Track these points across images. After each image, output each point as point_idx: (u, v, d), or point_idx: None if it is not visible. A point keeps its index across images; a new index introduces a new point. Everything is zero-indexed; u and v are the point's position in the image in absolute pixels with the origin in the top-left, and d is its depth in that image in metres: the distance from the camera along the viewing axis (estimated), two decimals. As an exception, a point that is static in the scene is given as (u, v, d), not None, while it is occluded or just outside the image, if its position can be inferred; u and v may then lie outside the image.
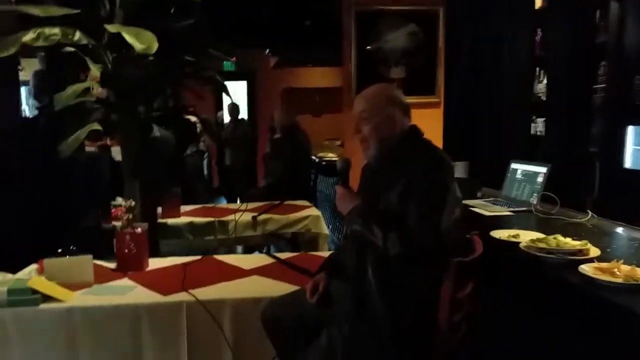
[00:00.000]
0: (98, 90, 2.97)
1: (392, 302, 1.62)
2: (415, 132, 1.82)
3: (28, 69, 4.49)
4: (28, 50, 3.08)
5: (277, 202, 3.85)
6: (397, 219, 1.61)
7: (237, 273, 2.27)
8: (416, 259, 1.60)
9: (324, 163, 6.17)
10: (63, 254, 2.16)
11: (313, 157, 5.92)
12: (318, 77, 9.17)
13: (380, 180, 1.76)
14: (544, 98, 4.02)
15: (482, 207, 2.79)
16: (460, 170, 3.30)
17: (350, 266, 1.79)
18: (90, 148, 4.04)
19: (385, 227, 1.61)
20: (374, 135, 1.77)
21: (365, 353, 1.62)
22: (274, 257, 2.49)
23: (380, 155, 1.79)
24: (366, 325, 1.64)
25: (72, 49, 2.68)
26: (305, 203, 3.93)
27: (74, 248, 2.20)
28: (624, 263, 1.62)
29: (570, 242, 1.88)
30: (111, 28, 2.47)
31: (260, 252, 2.70)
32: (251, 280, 2.20)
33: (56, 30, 2.47)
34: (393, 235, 1.59)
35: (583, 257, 1.78)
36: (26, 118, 4.18)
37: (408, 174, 1.66)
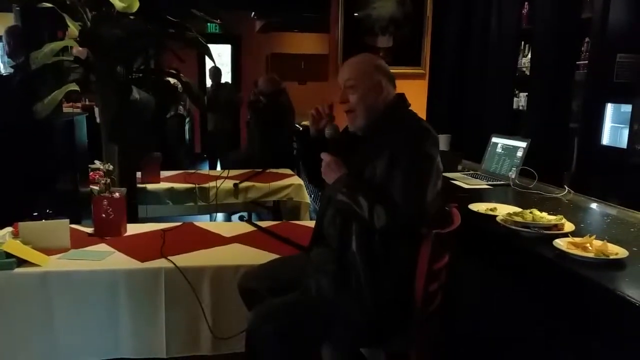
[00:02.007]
0: (78, 50, 2.88)
1: (374, 273, 1.64)
2: (402, 100, 1.82)
3: (2, 24, 4.32)
4: (3, 4, 2.96)
5: (259, 169, 3.84)
6: (383, 191, 1.62)
7: (218, 240, 2.27)
8: (400, 232, 1.62)
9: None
10: (39, 218, 2.13)
11: (297, 125, 5.87)
12: (304, 43, 9.01)
13: (365, 149, 1.75)
14: (527, 73, 4.03)
15: (462, 180, 2.82)
16: (442, 143, 3.30)
17: (333, 236, 1.79)
18: (69, 109, 3.95)
19: (371, 199, 1.61)
20: (361, 104, 1.75)
21: (341, 317, 1.64)
22: (255, 225, 2.49)
23: (366, 126, 1.77)
24: (348, 296, 1.65)
25: (49, 5, 2.58)
26: (288, 171, 3.92)
27: (50, 211, 2.17)
28: (596, 238, 1.66)
29: (545, 217, 1.92)
30: (90, -16, 2.38)
31: (241, 219, 2.69)
32: (231, 248, 2.20)
33: (33, -15, 2.37)
34: (379, 207, 1.59)
35: (558, 232, 1.82)
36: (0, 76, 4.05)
37: (394, 145, 1.66)
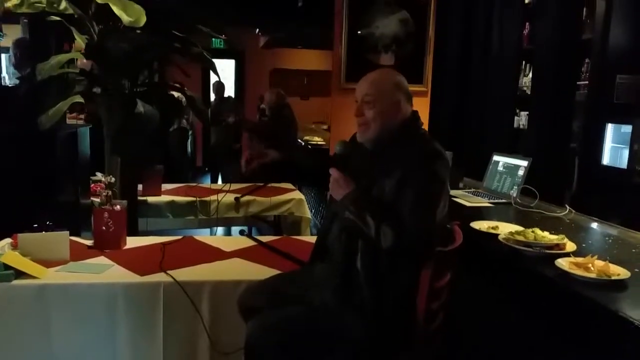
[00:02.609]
0: (83, 62, 2.91)
1: (378, 290, 1.63)
2: (416, 118, 1.81)
3: (10, 36, 4.36)
4: (11, 16, 2.99)
5: (261, 184, 3.84)
6: (392, 210, 1.60)
7: (218, 255, 2.26)
8: (407, 253, 1.60)
9: (309, 146, 6.16)
10: (39, 229, 2.12)
11: (299, 140, 5.90)
12: (307, 60, 9.10)
13: (375, 166, 1.74)
14: (528, 92, 4.05)
15: (464, 198, 2.82)
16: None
17: (338, 251, 1.77)
18: (72, 120, 3.97)
19: (379, 219, 1.59)
20: (378, 120, 1.74)
21: (344, 335, 1.63)
22: (256, 239, 2.48)
23: (378, 140, 1.76)
24: (351, 313, 1.64)
25: (57, 18, 2.61)
26: (289, 186, 3.92)
27: (50, 223, 2.16)
28: (598, 258, 1.66)
29: (547, 236, 1.91)
30: (99, -1, 2.41)
31: (242, 234, 2.69)
32: (231, 262, 2.19)
33: (42, -3, 2.40)
34: (386, 228, 1.57)
35: (559, 251, 1.82)
36: (5, 87, 4.08)
37: (405, 164, 1.64)
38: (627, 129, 3.20)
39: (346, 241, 1.72)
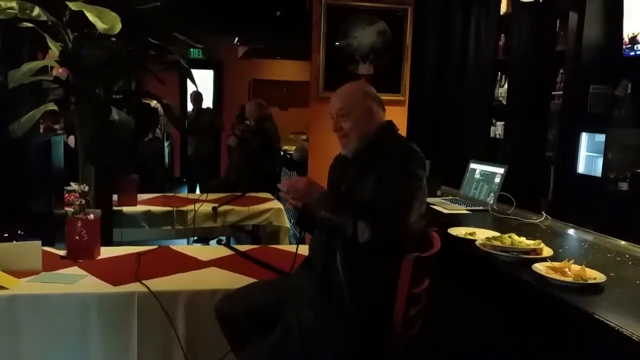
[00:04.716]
0: (59, 71, 2.85)
1: (356, 289, 1.63)
2: (392, 126, 1.88)
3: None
4: (-20, 23, 2.91)
5: (239, 193, 3.81)
6: (369, 207, 1.64)
7: (194, 264, 2.22)
8: (384, 248, 1.63)
9: (288, 156, 6.15)
10: (10, 239, 2.06)
11: (280, 150, 5.89)
12: (286, 70, 9.11)
13: (355, 170, 1.79)
14: (504, 102, 4.13)
15: (441, 205, 2.84)
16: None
17: (317, 255, 1.79)
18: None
19: (355, 214, 1.63)
20: (356, 129, 1.81)
21: (325, 341, 1.61)
22: (233, 249, 2.45)
23: (359, 147, 1.82)
24: (330, 315, 1.63)
25: (30, 25, 2.56)
26: (268, 195, 3.90)
27: (21, 233, 2.10)
28: (574, 263, 1.67)
29: (524, 241, 1.93)
30: (73, 5, 2.37)
31: (219, 243, 2.65)
32: (208, 271, 2.15)
33: (13, 4, 2.36)
34: (363, 222, 1.61)
35: (536, 256, 1.83)
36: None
37: (383, 164, 1.70)
38: (601, 137, 3.27)
39: (326, 241, 1.74)
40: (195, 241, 3.61)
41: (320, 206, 1.72)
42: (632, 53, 3.08)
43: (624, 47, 3.10)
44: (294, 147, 5.64)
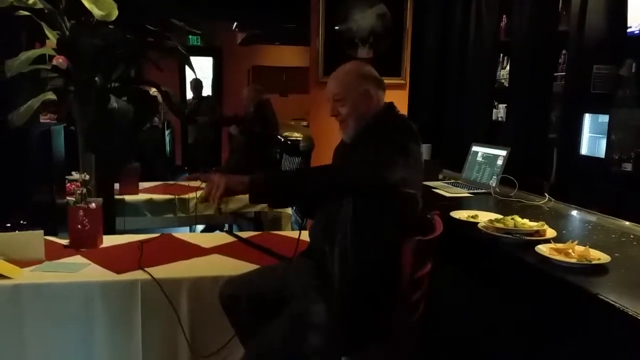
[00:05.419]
0: (59, 60, 2.83)
1: (354, 277, 1.61)
2: (392, 107, 1.84)
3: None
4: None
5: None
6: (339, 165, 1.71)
7: (197, 251, 2.23)
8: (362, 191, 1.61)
9: (289, 142, 6.13)
10: (12, 229, 2.06)
11: (279, 137, 5.87)
12: (285, 56, 9.05)
13: (355, 156, 1.76)
14: (506, 84, 4.08)
15: (443, 189, 2.82)
16: (423, 152, 3.33)
17: (317, 240, 1.78)
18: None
19: (329, 166, 1.72)
20: (352, 114, 1.78)
21: (324, 328, 1.61)
22: (235, 235, 2.45)
23: (358, 132, 1.79)
24: (329, 300, 1.62)
25: (26, 13, 2.53)
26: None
27: (24, 222, 2.10)
28: (578, 244, 1.67)
29: (527, 223, 1.92)
30: (69, -7, 2.35)
31: (222, 230, 2.65)
32: (211, 258, 2.15)
33: (9, -8, 2.33)
34: (340, 169, 1.68)
35: (540, 238, 1.82)
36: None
37: (376, 138, 1.69)
38: (605, 118, 3.23)
39: (323, 231, 1.72)
40: (202, 231, 3.61)
41: (261, 181, 1.68)
42: (637, 32, 3.03)
43: (628, 26, 3.06)
44: (301, 137, 5.60)
